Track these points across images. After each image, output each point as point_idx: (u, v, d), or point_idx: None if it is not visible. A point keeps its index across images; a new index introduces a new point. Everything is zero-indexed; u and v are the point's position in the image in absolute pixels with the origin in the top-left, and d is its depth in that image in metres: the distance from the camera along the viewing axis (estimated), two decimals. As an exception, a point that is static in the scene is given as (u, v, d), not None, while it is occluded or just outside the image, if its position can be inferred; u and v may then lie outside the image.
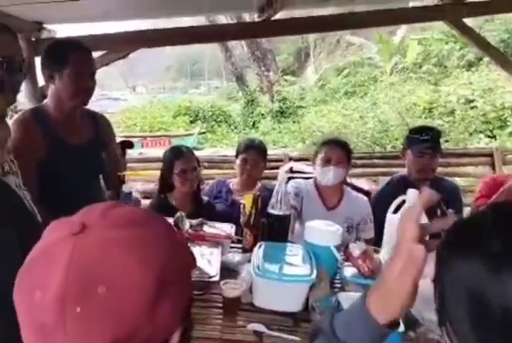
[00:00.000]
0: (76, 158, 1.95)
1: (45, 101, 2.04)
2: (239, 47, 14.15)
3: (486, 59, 8.87)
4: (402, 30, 12.93)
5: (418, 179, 2.52)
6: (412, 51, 11.53)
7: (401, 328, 1.44)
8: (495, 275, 0.58)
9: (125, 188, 1.69)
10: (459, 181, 4.54)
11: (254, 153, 2.64)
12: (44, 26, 3.44)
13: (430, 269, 1.71)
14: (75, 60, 1.91)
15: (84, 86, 1.95)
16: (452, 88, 9.47)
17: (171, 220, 1.97)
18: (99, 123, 2.16)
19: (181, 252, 0.64)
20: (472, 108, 8.74)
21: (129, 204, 1.69)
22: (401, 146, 2.69)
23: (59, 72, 1.90)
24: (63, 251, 0.55)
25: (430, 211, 2.45)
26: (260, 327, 1.46)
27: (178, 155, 2.49)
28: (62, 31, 3.64)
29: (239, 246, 2.07)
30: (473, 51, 9.66)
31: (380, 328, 0.70)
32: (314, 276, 1.60)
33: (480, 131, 8.05)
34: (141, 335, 0.54)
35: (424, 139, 2.47)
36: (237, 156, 2.68)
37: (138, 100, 17.33)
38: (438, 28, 11.12)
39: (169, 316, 0.58)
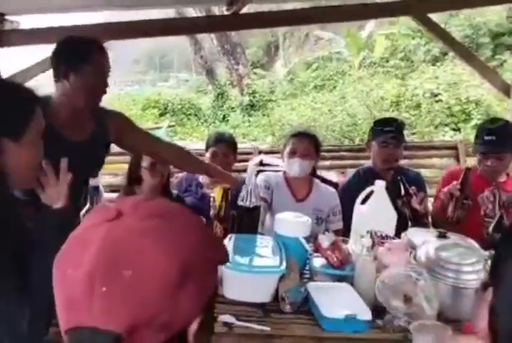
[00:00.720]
0: (73, 155, 1.91)
1: (51, 94, 1.94)
2: (209, 40, 14.06)
3: (451, 54, 9.05)
4: (370, 25, 13.07)
5: (383, 169, 2.57)
6: (380, 45, 11.68)
7: (369, 316, 1.49)
8: None
9: (92, 182, 1.66)
10: (425, 173, 4.65)
11: (223, 146, 2.64)
12: (7, 17, 3.34)
13: (396, 259, 1.74)
14: (98, 59, 1.85)
15: (103, 86, 1.90)
16: (418, 83, 9.66)
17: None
18: (107, 120, 2.06)
19: (210, 246, 0.67)
20: (437, 101, 8.95)
21: (95, 198, 1.66)
22: (367, 139, 2.74)
23: (77, 69, 1.83)
24: (97, 234, 0.60)
25: (395, 191, 2.51)
26: (230, 319, 1.47)
27: (147, 148, 2.46)
28: (26, 22, 3.54)
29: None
30: (439, 46, 9.83)
31: None
32: (283, 267, 1.61)
33: (446, 124, 8.25)
34: (161, 320, 0.58)
35: (388, 130, 2.52)
36: (206, 149, 2.68)
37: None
38: (405, 24, 11.29)
39: (190, 305, 0.60)
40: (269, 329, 1.44)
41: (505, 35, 10.05)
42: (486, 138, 2.33)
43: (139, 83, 24.68)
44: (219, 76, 13.90)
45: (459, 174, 2.32)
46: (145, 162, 2.42)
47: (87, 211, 1.64)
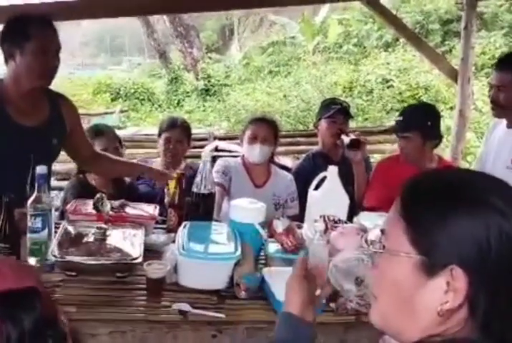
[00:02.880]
0: (23, 140, 1.82)
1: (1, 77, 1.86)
2: (161, 23, 13.73)
3: (402, 40, 9.23)
4: (324, 10, 13.11)
5: (331, 146, 2.65)
6: (334, 31, 11.75)
7: (322, 300, 1.51)
8: (502, 212, 0.64)
9: (40, 169, 1.60)
10: (377, 158, 4.76)
11: (177, 132, 2.59)
12: None
13: (348, 243, 1.77)
14: (39, 35, 1.76)
15: (49, 65, 1.80)
16: (370, 68, 9.81)
17: (90, 201, 1.91)
18: (62, 106, 1.99)
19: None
20: (389, 87, 9.13)
21: (43, 186, 1.61)
22: (316, 121, 2.81)
23: (21, 48, 1.75)
24: None
25: (344, 171, 2.56)
26: (185, 306, 1.46)
27: (98, 134, 2.40)
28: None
29: (164, 226, 2.04)
30: (391, 32, 10.00)
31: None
32: (238, 253, 1.62)
33: (397, 110, 8.43)
34: None
35: (334, 107, 2.64)
36: (159, 135, 2.63)
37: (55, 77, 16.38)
38: (358, 9, 11.39)
39: None
40: (224, 315, 1.44)
41: (453, 22, 10.30)
42: (396, 119, 2.46)
43: (90, 67, 23.92)
44: (172, 59, 13.63)
45: (393, 164, 2.42)
46: (96, 148, 2.35)
47: (35, 200, 1.59)
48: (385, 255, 0.74)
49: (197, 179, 1.95)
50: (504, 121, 2.34)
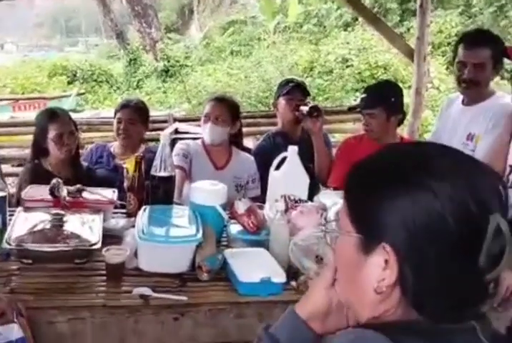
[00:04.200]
0: None
1: None
2: (118, 2, 13.32)
3: (361, 19, 9.27)
4: (284, -11, 12.99)
5: (290, 125, 2.68)
6: (293, 10, 11.65)
7: (283, 278, 1.54)
8: (424, 185, 0.64)
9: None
10: (338, 137, 4.80)
11: (129, 112, 2.52)
12: None
13: (308, 221, 1.79)
14: None
15: None
16: (330, 48, 9.84)
17: (46, 187, 1.86)
18: None
19: None
20: (348, 67, 9.19)
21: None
22: (274, 100, 2.83)
23: None
24: None
25: (304, 149, 2.60)
26: (146, 291, 1.45)
27: (52, 118, 2.32)
28: None
29: (124, 211, 2.02)
30: (350, 11, 10.01)
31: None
32: (200, 235, 1.61)
33: (356, 89, 8.51)
34: None
35: (292, 85, 2.67)
36: (114, 116, 2.57)
37: (7, 59, 15.73)
38: (318, -12, 11.35)
39: None
40: (186, 298, 1.44)
41: (411, 1, 10.40)
42: (362, 96, 2.50)
43: (45, 49, 23.08)
44: (131, 40, 13.28)
45: (357, 143, 2.46)
46: (51, 133, 2.28)
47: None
48: (337, 235, 0.76)
49: (156, 162, 1.92)
50: (460, 98, 2.39)
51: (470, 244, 0.63)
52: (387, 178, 0.68)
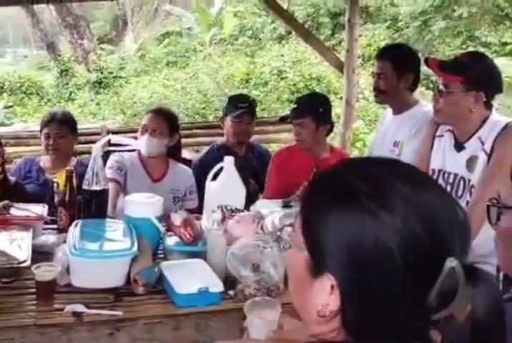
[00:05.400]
0: None
1: None
2: (48, 12, 12.91)
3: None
4: (219, 2, 13.11)
5: (235, 144, 2.71)
6: (229, 23, 11.80)
7: (220, 288, 1.54)
8: (376, 217, 0.61)
9: None
10: (274, 147, 4.88)
11: (56, 126, 2.45)
12: None
13: (245, 231, 1.81)
14: None
15: None
16: (266, 60, 10.00)
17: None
18: None
19: None
20: (283, 78, 9.38)
21: None
22: (221, 115, 2.84)
23: None
24: None
25: (247, 166, 2.66)
26: (79, 307, 1.41)
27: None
28: None
29: (55, 227, 1.95)
30: (283, 24, 10.25)
31: None
32: (135, 249, 1.59)
33: (291, 101, 8.69)
34: None
35: (241, 106, 2.67)
36: (41, 131, 2.49)
37: None
38: (252, 2, 11.53)
39: None
40: (121, 313, 1.42)
41: (341, 15, 10.79)
42: (291, 107, 2.60)
43: (-31, 59, 21.95)
44: (62, 51, 12.89)
45: (289, 153, 2.53)
46: (-25, 148, 2.18)
47: None
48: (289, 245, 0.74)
49: (88, 176, 1.88)
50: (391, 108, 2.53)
51: (419, 282, 0.60)
52: (340, 202, 0.64)
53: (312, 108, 2.44)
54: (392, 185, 0.63)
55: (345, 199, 0.64)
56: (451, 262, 0.60)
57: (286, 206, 2.00)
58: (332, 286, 0.63)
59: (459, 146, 1.93)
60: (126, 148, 2.66)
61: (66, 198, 1.92)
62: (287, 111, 8.35)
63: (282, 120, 2.70)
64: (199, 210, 2.36)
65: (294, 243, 0.69)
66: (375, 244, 0.60)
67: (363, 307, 0.62)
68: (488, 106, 1.89)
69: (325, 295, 0.63)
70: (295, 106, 2.54)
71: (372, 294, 0.61)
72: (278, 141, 4.94)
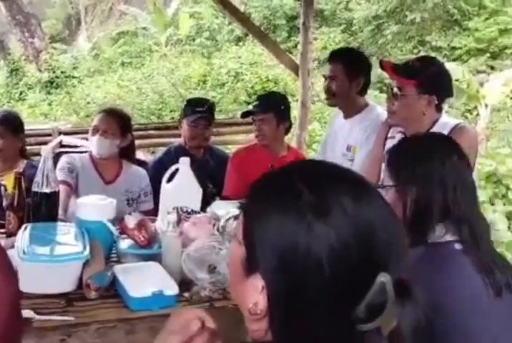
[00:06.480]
0: None
1: None
2: (-3, 10, 12.46)
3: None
4: (175, 2, 13.01)
5: (192, 146, 2.67)
6: (185, 23, 11.73)
7: (176, 290, 1.53)
8: (309, 226, 0.61)
9: None
10: (231, 149, 4.88)
11: None
12: None
13: (201, 232, 1.80)
14: None
15: None
16: (223, 62, 10.01)
17: None
18: None
19: None
20: (240, 80, 9.41)
21: None
22: (178, 117, 2.81)
23: None
24: None
25: (204, 168, 2.65)
26: (28, 313, 1.36)
27: None
28: None
29: (3, 231, 1.89)
30: (240, 26, 10.27)
31: None
32: (87, 252, 1.55)
33: (248, 103, 8.73)
34: None
35: (198, 110, 2.63)
36: None
37: None
38: (209, 3, 11.50)
39: None
40: (73, 318, 1.38)
41: (297, 18, 10.91)
42: (253, 104, 2.64)
43: None
44: (12, 50, 12.48)
45: (248, 153, 2.56)
46: None
47: None
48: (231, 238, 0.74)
49: (38, 178, 1.82)
50: (342, 112, 2.57)
51: (348, 293, 0.61)
52: (280, 207, 0.64)
53: (274, 105, 2.50)
54: (336, 197, 0.63)
55: (286, 204, 0.64)
56: (383, 277, 0.61)
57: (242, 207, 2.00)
58: (262, 287, 0.64)
59: (410, 148, 1.99)
60: (78, 149, 2.59)
61: (15, 201, 1.86)
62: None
63: (244, 116, 2.71)
64: (154, 212, 2.33)
65: (236, 236, 0.70)
66: (305, 253, 0.61)
67: (288, 312, 0.63)
68: (439, 109, 1.96)
69: (255, 293, 0.64)
70: (257, 102, 2.59)
71: (298, 300, 0.62)
72: (235, 142, 4.95)
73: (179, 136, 2.80)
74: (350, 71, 2.38)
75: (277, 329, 0.64)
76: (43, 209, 1.82)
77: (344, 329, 0.62)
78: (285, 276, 0.62)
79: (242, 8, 7.81)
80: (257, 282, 0.64)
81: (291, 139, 4.07)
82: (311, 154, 4.98)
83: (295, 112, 4.27)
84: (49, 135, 4.24)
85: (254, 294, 0.64)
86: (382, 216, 0.65)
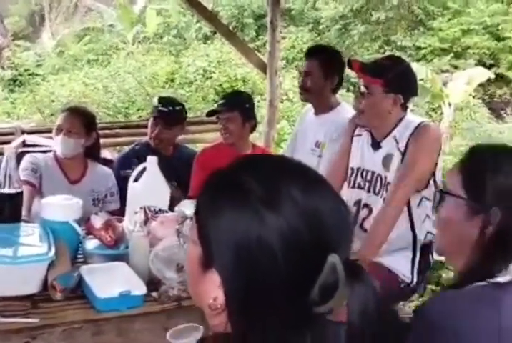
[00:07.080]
0: None
1: None
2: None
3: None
4: (142, -1, 12.86)
5: (158, 145, 2.63)
6: (152, 21, 11.59)
7: (143, 290, 1.52)
8: (261, 218, 0.63)
9: None
10: (199, 147, 4.86)
11: None
12: None
13: (169, 231, 1.79)
14: None
15: None
16: (191, 60, 9.93)
17: None
18: None
19: None
20: (208, 78, 9.36)
21: None
22: (147, 116, 2.79)
23: None
24: None
25: (172, 166, 2.62)
26: (-9, 317, 1.34)
27: None
28: None
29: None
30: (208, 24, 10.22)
31: None
32: (52, 253, 1.53)
33: (216, 101, 8.68)
34: None
35: (160, 110, 2.60)
36: None
37: None
38: (176, 1, 11.40)
39: None
40: (37, 320, 1.36)
41: (265, 17, 10.94)
42: (219, 103, 2.63)
43: None
44: (-28, 46, 12.09)
45: (214, 151, 2.55)
46: None
47: None
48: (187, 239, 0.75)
49: (0, 178, 1.78)
50: (312, 109, 2.60)
51: (302, 277, 0.63)
52: (230, 202, 0.66)
53: (239, 104, 2.52)
54: (284, 187, 0.65)
55: (237, 200, 0.65)
56: (333, 258, 0.63)
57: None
58: (220, 281, 0.65)
59: (376, 145, 2.03)
60: (42, 149, 2.53)
61: (-24, 202, 1.81)
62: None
63: (210, 114, 2.70)
64: (120, 212, 2.31)
65: (191, 237, 0.71)
66: (258, 243, 0.62)
67: (246, 303, 0.64)
68: (404, 107, 2.00)
69: (214, 289, 0.66)
70: (223, 101, 2.60)
71: (255, 290, 0.64)
72: (203, 141, 4.92)
73: (146, 134, 2.76)
74: (325, 68, 2.42)
75: (236, 320, 0.65)
76: (6, 210, 1.78)
77: (302, 314, 0.63)
78: (241, 268, 0.64)
79: (209, 7, 7.77)
80: (215, 277, 0.66)
81: (259, 138, 4.09)
82: (279, 152, 5.01)
83: (263, 111, 4.30)
84: (12, 134, 4.13)
85: (213, 290, 0.66)
86: (330, 203, 0.67)
